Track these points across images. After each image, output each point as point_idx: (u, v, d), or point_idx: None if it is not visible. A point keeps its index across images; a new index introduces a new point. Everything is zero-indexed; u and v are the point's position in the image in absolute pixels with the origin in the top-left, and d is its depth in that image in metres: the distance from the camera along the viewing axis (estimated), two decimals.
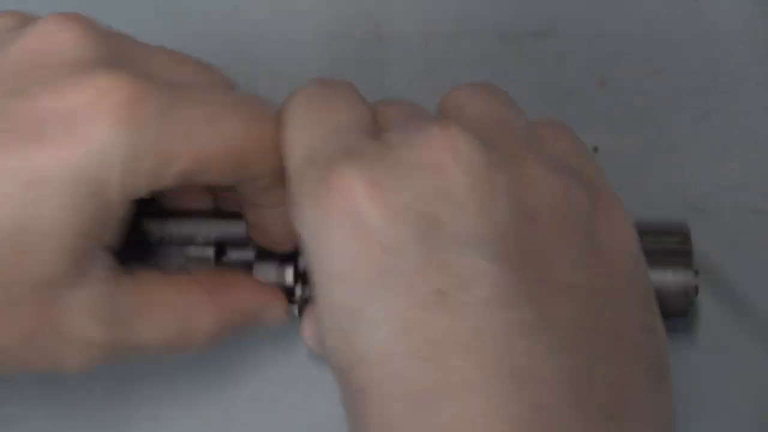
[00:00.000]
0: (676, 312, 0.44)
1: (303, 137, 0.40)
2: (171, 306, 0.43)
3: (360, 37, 0.54)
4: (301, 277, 0.46)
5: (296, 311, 0.46)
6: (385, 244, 0.36)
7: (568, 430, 0.35)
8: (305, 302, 0.46)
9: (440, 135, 0.37)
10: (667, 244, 0.45)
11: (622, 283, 0.38)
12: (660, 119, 0.53)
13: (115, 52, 0.41)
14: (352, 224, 0.36)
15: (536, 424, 0.34)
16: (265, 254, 0.46)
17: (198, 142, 0.40)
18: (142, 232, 0.46)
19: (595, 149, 0.51)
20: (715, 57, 0.54)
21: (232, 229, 0.46)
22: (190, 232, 0.46)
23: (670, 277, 0.45)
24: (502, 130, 0.40)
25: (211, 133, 0.40)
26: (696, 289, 0.45)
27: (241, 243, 0.46)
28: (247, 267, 0.46)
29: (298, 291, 0.46)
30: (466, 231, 0.36)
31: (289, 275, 0.46)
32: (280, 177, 0.42)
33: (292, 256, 0.45)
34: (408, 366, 0.35)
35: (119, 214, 0.40)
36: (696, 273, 0.45)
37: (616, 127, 0.52)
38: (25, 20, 0.42)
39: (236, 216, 0.46)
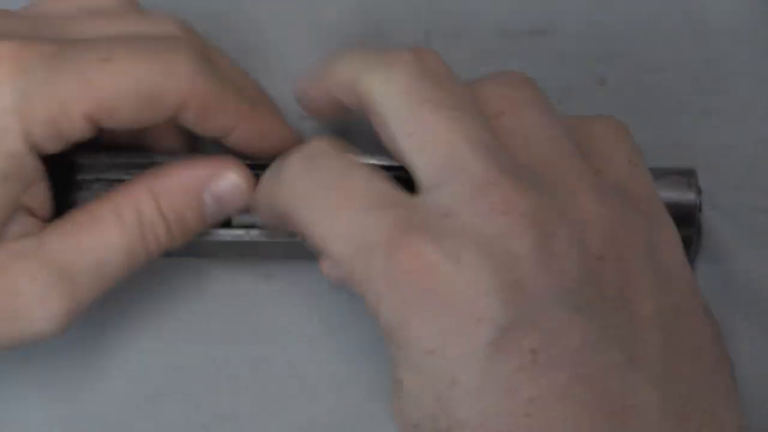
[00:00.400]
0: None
1: (334, 228, 0.40)
2: (104, 215, 0.44)
3: (360, 34, 0.54)
4: None
5: None
6: (478, 316, 0.36)
7: None
8: None
9: (495, 199, 0.37)
10: (672, 174, 0.47)
11: (689, 297, 0.40)
12: (660, 118, 0.53)
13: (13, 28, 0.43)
14: (441, 301, 0.37)
15: None
16: None
17: (94, 84, 0.41)
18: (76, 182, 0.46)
19: None
20: (715, 56, 0.54)
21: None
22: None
23: (674, 196, 0.46)
24: (551, 152, 0.40)
25: (105, 73, 0.41)
26: (699, 206, 0.46)
27: None
28: None
29: None
30: (546, 287, 0.37)
31: None
32: (208, 105, 0.43)
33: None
34: (513, 424, 0.36)
35: (32, 171, 0.41)
36: (700, 191, 0.46)
37: None
38: None
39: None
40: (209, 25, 0.54)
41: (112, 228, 0.43)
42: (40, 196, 0.43)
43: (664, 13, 0.54)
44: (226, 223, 0.47)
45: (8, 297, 0.42)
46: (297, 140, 0.47)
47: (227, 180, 0.45)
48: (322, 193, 0.40)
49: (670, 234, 0.41)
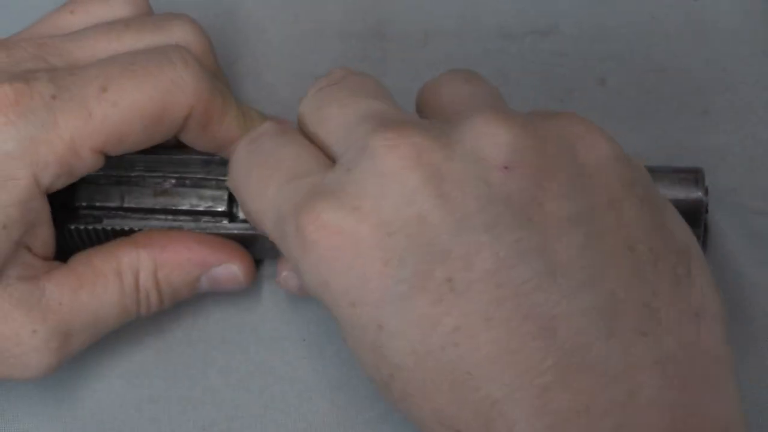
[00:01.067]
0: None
1: (262, 203, 0.41)
2: (106, 274, 0.44)
3: (361, 35, 0.54)
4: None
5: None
6: (384, 258, 0.36)
7: (606, 362, 0.35)
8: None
9: (383, 141, 0.38)
10: (680, 173, 0.47)
11: (618, 192, 0.38)
12: (660, 119, 0.53)
13: (17, 63, 0.43)
14: (348, 254, 0.37)
15: (573, 366, 0.35)
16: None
17: (97, 118, 0.41)
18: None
19: None
20: (715, 56, 0.54)
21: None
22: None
23: (681, 194, 0.46)
24: (453, 97, 0.42)
25: (106, 105, 0.41)
26: (706, 207, 0.46)
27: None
28: None
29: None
30: (448, 215, 0.36)
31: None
32: (211, 115, 0.43)
33: None
34: (445, 357, 0.36)
35: (36, 214, 0.42)
36: (706, 191, 0.46)
37: (616, 127, 0.52)
38: None
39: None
40: (209, 25, 0.54)
41: (111, 288, 0.44)
42: (43, 235, 0.44)
43: (664, 13, 0.55)
44: (232, 216, 0.47)
45: (6, 343, 0.43)
46: None
47: (228, 269, 0.46)
48: (254, 172, 0.41)
49: (592, 134, 0.40)
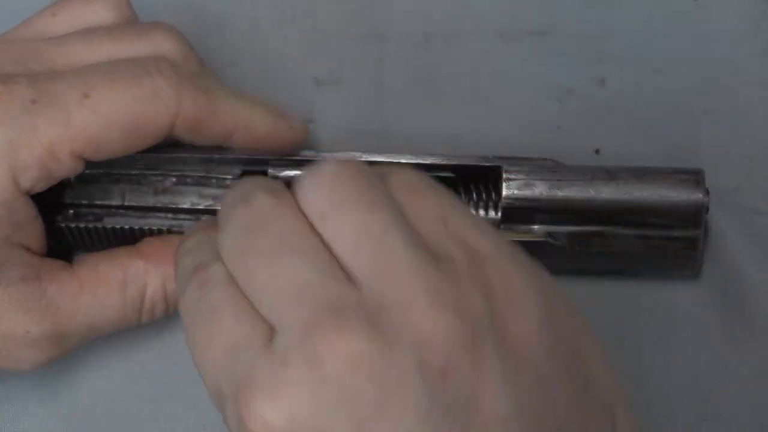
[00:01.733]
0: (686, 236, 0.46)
1: (205, 364, 0.37)
2: (110, 283, 0.45)
3: (359, 36, 0.54)
4: None
5: None
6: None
7: None
8: None
9: (328, 347, 0.34)
10: (680, 174, 0.47)
11: (545, 367, 0.36)
12: (660, 119, 0.53)
13: None
14: None
15: None
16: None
17: (77, 124, 0.41)
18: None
19: (597, 151, 0.51)
20: (714, 57, 0.54)
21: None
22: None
23: (682, 196, 0.46)
24: (378, 261, 0.36)
25: (87, 111, 0.41)
26: (707, 208, 0.46)
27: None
28: None
29: None
30: (392, 426, 0.34)
31: None
32: (200, 120, 0.43)
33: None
34: None
35: (23, 214, 0.42)
36: (707, 192, 0.46)
37: (616, 127, 0.52)
38: None
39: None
40: (210, 25, 0.54)
41: (112, 297, 0.45)
42: (34, 232, 0.44)
43: (664, 13, 0.54)
44: None
45: (2, 339, 0.43)
46: (298, 135, 0.47)
47: None
48: (199, 329, 0.37)
49: (516, 290, 0.36)
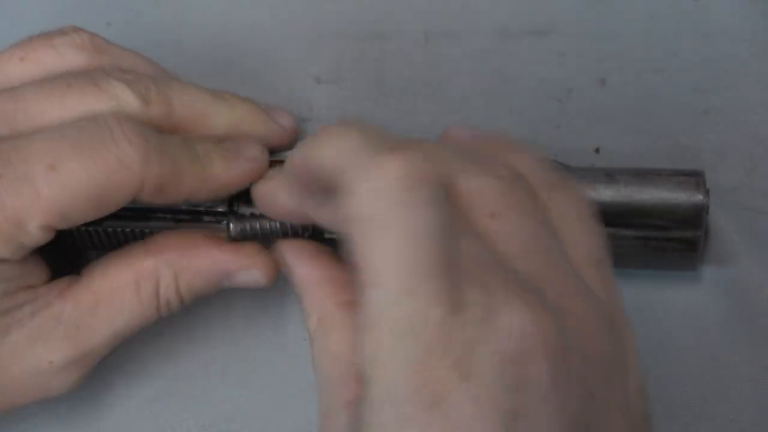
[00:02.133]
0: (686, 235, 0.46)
1: (397, 282, 0.34)
2: (123, 287, 0.44)
3: (359, 35, 0.54)
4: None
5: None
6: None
7: None
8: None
9: (527, 320, 0.34)
10: (681, 176, 0.47)
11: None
12: (660, 119, 0.53)
13: None
14: (439, 415, 0.33)
15: None
16: None
17: (44, 197, 0.41)
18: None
19: (597, 150, 0.51)
20: (714, 56, 0.54)
21: None
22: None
23: (682, 197, 0.46)
24: (548, 270, 0.36)
25: (54, 184, 0.41)
26: (707, 208, 0.46)
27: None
28: None
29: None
30: (547, 423, 0.34)
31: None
32: (164, 185, 0.42)
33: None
34: None
35: (10, 271, 0.42)
36: (707, 193, 0.46)
37: (616, 127, 0.52)
38: None
39: None
40: (209, 26, 0.54)
41: (129, 301, 0.44)
42: (32, 273, 0.44)
43: (664, 13, 0.54)
44: (234, 216, 0.47)
45: (29, 376, 0.43)
46: (258, 170, 0.46)
47: (250, 275, 0.45)
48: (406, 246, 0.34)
49: (627, 330, 0.38)
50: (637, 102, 0.53)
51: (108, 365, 0.49)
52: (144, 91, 0.44)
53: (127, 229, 0.46)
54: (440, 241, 0.34)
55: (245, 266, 0.45)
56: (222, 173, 0.44)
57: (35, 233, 0.42)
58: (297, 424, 0.49)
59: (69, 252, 0.47)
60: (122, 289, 0.44)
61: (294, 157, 0.39)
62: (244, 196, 0.46)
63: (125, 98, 0.44)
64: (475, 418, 0.33)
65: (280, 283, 0.49)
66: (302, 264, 0.42)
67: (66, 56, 0.46)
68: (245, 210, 0.46)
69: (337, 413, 0.39)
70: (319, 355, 0.40)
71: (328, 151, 0.36)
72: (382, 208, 0.34)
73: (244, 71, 0.53)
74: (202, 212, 0.46)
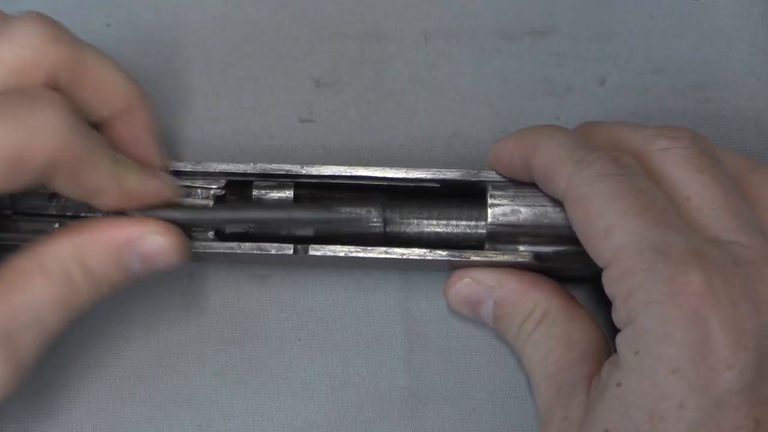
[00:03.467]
0: None
1: (635, 224, 0.41)
2: (32, 272, 0.43)
3: (359, 35, 0.54)
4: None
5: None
6: (725, 363, 0.38)
7: None
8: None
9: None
10: None
11: None
12: (659, 119, 0.53)
13: None
14: (697, 333, 0.39)
15: None
16: None
17: None
18: None
19: None
20: (714, 56, 0.54)
21: None
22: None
23: None
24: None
25: None
26: None
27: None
28: None
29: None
30: None
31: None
32: (79, 163, 0.42)
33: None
34: None
35: None
36: None
37: None
38: None
39: None
40: (210, 26, 0.54)
41: (41, 284, 0.43)
42: None
43: (664, 13, 0.54)
44: (220, 234, 0.47)
45: None
46: (169, 191, 0.46)
47: (153, 242, 0.45)
48: (626, 195, 0.41)
49: None
50: (637, 102, 0.53)
51: (104, 365, 0.49)
52: (58, 32, 0.44)
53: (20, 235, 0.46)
54: (656, 193, 0.42)
55: (145, 232, 0.44)
56: (136, 180, 0.44)
57: None
58: (293, 424, 0.49)
59: None
60: (31, 273, 0.43)
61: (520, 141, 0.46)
62: None
63: (32, 36, 0.43)
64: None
65: (275, 287, 0.50)
66: (507, 276, 0.47)
67: None
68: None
69: (572, 391, 0.44)
70: (546, 344, 0.46)
71: (548, 147, 0.44)
72: (606, 180, 0.42)
73: (244, 73, 0.53)
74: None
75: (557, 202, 0.45)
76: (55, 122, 0.41)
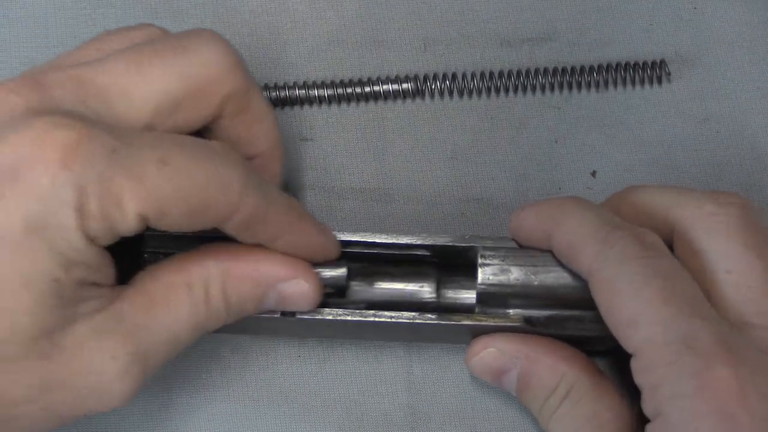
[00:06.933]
0: None
1: (660, 314, 0.40)
2: (177, 289, 0.43)
3: (359, 42, 0.54)
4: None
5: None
6: None
7: None
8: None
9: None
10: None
11: None
12: (660, 125, 0.53)
13: (52, 98, 0.41)
14: (725, 429, 0.38)
15: None
16: None
17: (150, 186, 0.40)
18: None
19: (593, 173, 0.52)
20: (713, 62, 0.54)
21: None
22: None
23: None
24: None
25: (162, 177, 0.40)
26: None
27: None
28: None
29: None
30: None
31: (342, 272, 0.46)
32: (252, 220, 0.42)
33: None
34: None
35: (96, 258, 0.40)
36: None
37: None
38: None
39: None
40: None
41: (183, 303, 0.43)
42: (105, 270, 0.42)
43: (663, 21, 0.54)
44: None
45: (88, 375, 0.41)
46: (335, 249, 0.46)
47: (298, 286, 0.45)
48: (654, 282, 0.41)
49: None
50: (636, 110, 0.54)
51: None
52: (229, 54, 0.44)
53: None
54: (682, 277, 0.41)
55: (292, 275, 0.45)
56: (313, 231, 0.45)
57: (130, 219, 0.40)
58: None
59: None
60: (175, 290, 0.43)
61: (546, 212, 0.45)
62: None
63: (212, 58, 0.44)
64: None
65: None
66: (532, 347, 0.47)
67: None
68: None
69: None
70: (573, 423, 0.45)
71: (571, 224, 0.44)
72: (631, 263, 0.41)
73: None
74: None
75: (552, 260, 0.45)
76: (238, 181, 0.41)
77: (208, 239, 0.45)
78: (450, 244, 0.47)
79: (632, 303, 0.40)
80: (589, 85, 0.53)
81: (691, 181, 0.52)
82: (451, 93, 0.54)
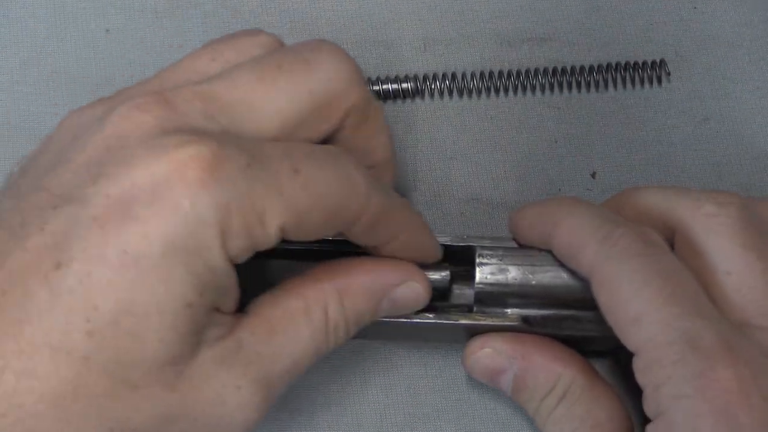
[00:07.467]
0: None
1: (662, 312, 0.40)
2: (295, 315, 0.43)
3: (359, 42, 0.54)
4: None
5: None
6: None
7: None
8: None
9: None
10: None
11: None
12: (658, 126, 0.53)
13: (181, 115, 0.41)
14: (727, 429, 0.38)
15: None
16: None
17: (288, 197, 0.39)
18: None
19: (593, 175, 0.53)
20: (713, 62, 0.54)
21: None
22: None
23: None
24: None
25: (298, 186, 0.39)
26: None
27: None
28: None
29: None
30: None
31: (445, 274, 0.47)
32: (378, 220, 0.42)
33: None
34: None
35: (227, 280, 0.40)
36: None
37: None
38: (109, 109, 0.41)
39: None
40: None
41: (302, 328, 0.43)
42: (231, 296, 0.41)
43: (663, 21, 0.54)
44: None
45: (213, 406, 0.41)
46: (440, 250, 0.46)
47: (410, 288, 0.45)
48: (655, 280, 0.41)
49: None
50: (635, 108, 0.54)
51: None
52: (351, 67, 0.43)
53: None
54: (684, 276, 0.41)
55: (403, 278, 0.45)
56: (424, 232, 0.45)
57: (271, 234, 0.39)
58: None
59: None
60: (294, 315, 0.43)
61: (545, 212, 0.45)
62: None
63: (335, 74, 0.43)
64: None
65: None
66: (529, 348, 0.47)
67: (253, 55, 0.44)
68: None
69: None
70: (570, 423, 0.45)
71: (571, 224, 0.43)
72: (632, 261, 0.41)
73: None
74: None
75: (549, 260, 0.45)
76: (364, 182, 0.41)
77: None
78: (448, 243, 0.47)
79: (634, 301, 0.40)
80: (589, 85, 0.53)
81: (691, 181, 0.52)
82: (451, 93, 0.54)
